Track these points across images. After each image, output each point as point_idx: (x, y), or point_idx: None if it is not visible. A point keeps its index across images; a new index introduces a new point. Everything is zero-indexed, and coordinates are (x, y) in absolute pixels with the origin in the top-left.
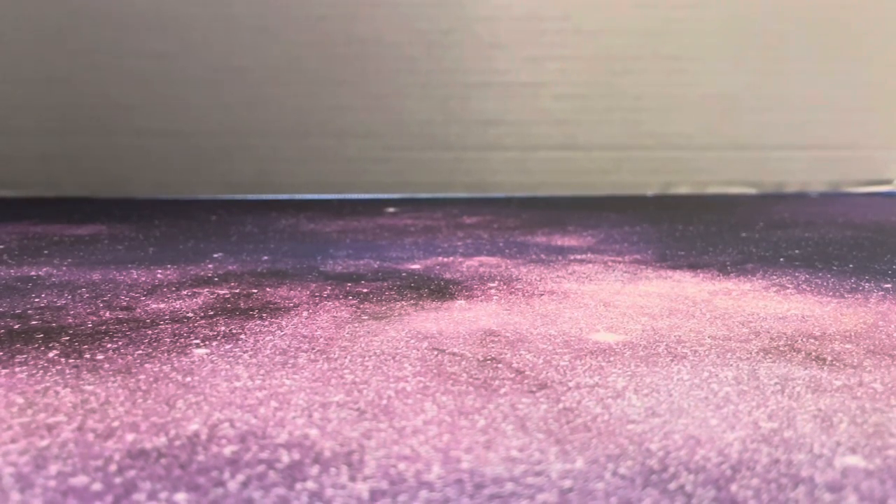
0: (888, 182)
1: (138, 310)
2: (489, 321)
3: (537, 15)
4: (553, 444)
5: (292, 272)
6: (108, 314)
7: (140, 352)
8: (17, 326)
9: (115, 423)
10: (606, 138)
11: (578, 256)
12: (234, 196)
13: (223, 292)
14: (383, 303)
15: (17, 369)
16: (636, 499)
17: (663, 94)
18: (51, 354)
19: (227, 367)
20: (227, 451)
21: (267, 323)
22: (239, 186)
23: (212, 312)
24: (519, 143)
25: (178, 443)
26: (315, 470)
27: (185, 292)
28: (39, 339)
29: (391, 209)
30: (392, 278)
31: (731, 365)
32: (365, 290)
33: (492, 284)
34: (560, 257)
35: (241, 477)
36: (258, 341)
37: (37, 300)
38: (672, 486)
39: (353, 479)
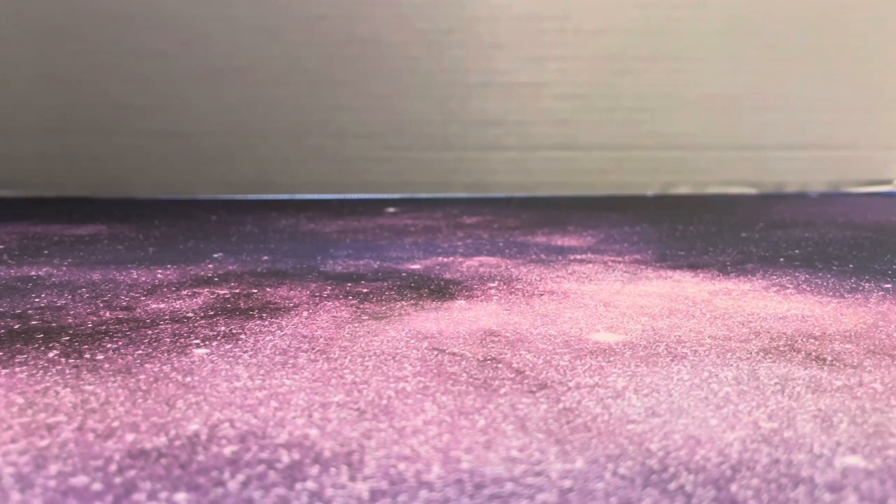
0: (888, 182)
1: (138, 310)
2: (489, 321)
3: (537, 15)
4: (553, 444)
5: (292, 272)
6: (108, 314)
7: (140, 352)
8: (17, 326)
9: (115, 423)
10: (606, 138)
11: (578, 256)
12: (234, 196)
13: (223, 292)
14: (383, 303)
15: (17, 369)
16: (636, 499)
17: (663, 94)
18: (51, 354)
19: (227, 367)
20: (227, 451)
21: (267, 323)
22: (239, 186)
23: (212, 312)
24: (519, 143)
25: (178, 443)
26: (315, 470)
27: (185, 292)
28: (39, 339)
29: (391, 209)
30: (392, 278)
31: (731, 365)
32: (365, 290)
33: (492, 284)
34: (560, 257)
35: (241, 477)
36: (258, 341)
37: (37, 300)
38: (672, 486)
39: (353, 479)
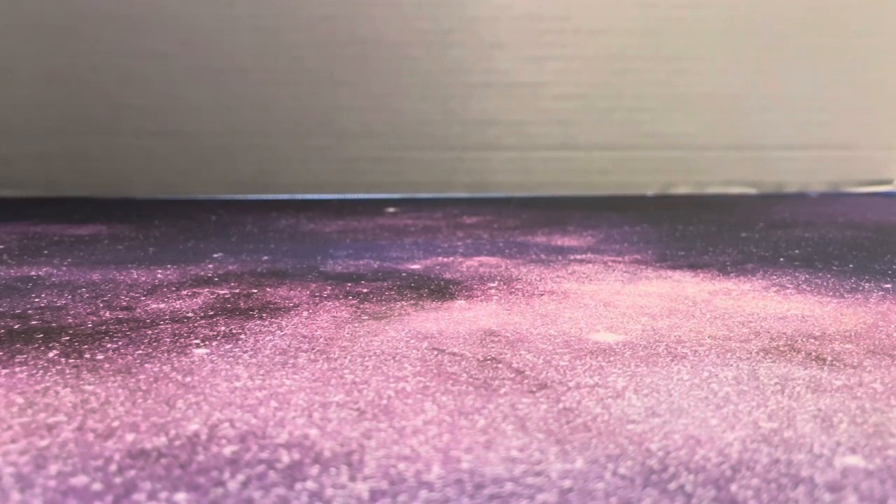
0: (888, 182)
1: (138, 310)
2: (489, 321)
3: (537, 15)
4: (553, 444)
5: (292, 272)
6: (108, 314)
7: (140, 352)
8: (17, 326)
9: (115, 423)
10: (606, 138)
11: (578, 256)
12: (234, 196)
13: (223, 292)
14: (383, 303)
15: (17, 369)
16: (636, 499)
17: (663, 94)
18: (51, 354)
19: (227, 367)
20: (227, 451)
21: (267, 323)
22: (239, 186)
23: (212, 312)
24: (519, 143)
25: (178, 443)
26: (315, 470)
27: (185, 292)
28: (39, 339)
29: (391, 209)
30: (392, 278)
31: (731, 365)
32: (365, 290)
33: (492, 284)
34: (560, 257)
35: (241, 477)
36: (258, 341)
37: (37, 300)
38: (672, 486)
39: (353, 479)
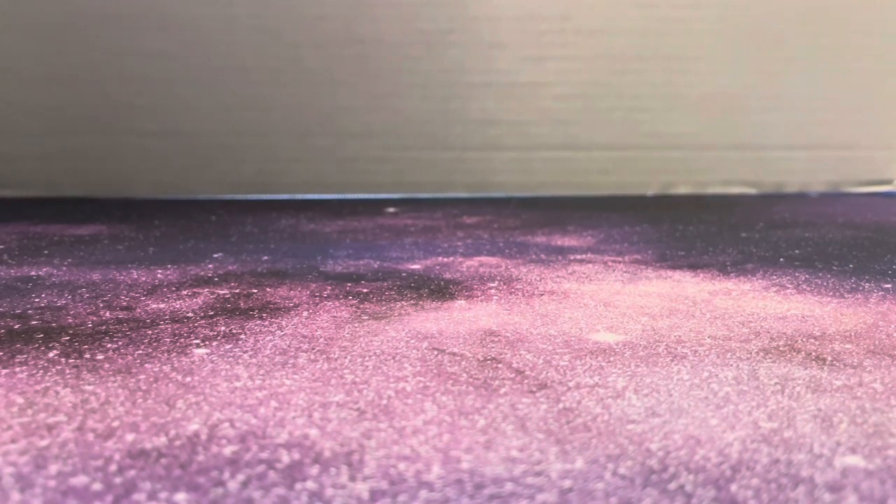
0: (888, 182)
1: (138, 310)
2: (489, 321)
3: (537, 15)
4: (553, 444)
5: (292, 272)
6: (108, 314)
7: (140, 352)
8: (17, 326)
9: (115, 423)
10: (606, 138)
11: (578, 256)
12: (234, 196)
13: (223, 292)
14: (383, 303)
15: (17, 369)
16: (636, 499)
17: (663, 94)
18: (51, 354)
19: (227, 367)
20: (227, 451)
21: (267, 323)
22: (239, 186)
23: (212, 312)
24: (519, 143)
25: (178, 443)
26: (315, 470)
27: (185, 292)
28: (39, 339)
29: (391, 209)
30: (392, 278)
31: (731, 365)
32: (365, 290)
33: (492, 284)
34: (560, 257)
35: (241, 477)
36: (258, 341)
37: (37, 300)
38: (672, 486)
39: (353, 479)
